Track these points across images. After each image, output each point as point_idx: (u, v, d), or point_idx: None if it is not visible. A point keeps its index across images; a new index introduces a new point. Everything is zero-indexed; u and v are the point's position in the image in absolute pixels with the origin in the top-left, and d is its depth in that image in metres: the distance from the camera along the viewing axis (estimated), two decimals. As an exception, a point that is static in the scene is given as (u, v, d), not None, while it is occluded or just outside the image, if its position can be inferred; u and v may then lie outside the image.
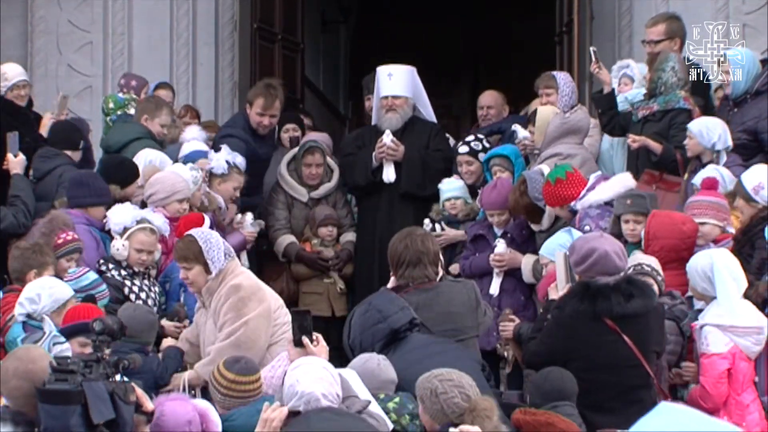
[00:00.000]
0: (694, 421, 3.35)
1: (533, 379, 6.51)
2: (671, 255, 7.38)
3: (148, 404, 4.88)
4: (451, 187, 9.54)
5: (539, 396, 6.26)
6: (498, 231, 8.97)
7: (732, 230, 7.69)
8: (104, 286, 7.75)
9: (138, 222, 8.23)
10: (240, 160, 9.49)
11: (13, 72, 9.99)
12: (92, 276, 7.75)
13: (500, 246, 8.78)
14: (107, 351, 4.79)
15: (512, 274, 8.80)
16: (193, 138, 9.71)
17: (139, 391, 4.81)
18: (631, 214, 7.86)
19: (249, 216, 9.58)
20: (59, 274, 7.64)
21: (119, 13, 12.22)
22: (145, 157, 9.18)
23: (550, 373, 6.36)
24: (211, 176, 9.32)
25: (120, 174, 8.90)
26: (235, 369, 5.98)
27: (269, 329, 7.10)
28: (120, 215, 8.32)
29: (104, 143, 9.82)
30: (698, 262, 6.92)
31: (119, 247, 8.13)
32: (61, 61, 12.20)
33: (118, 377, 4.78)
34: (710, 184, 7.88)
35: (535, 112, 9.72)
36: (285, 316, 7.06)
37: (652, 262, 7.24)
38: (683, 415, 3.37)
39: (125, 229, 8.20)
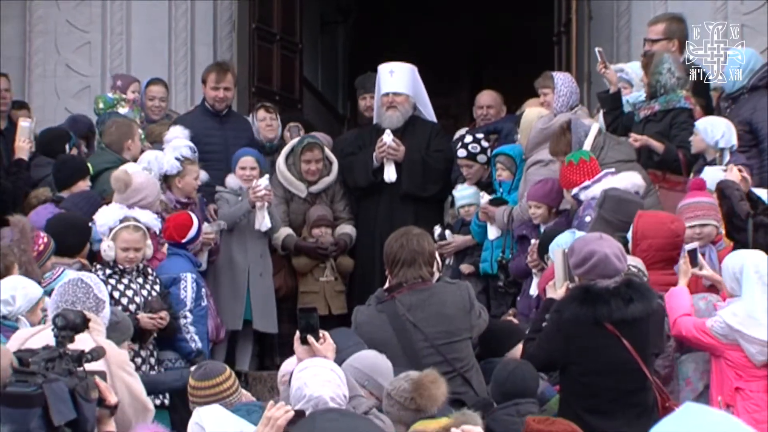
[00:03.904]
0: (720, 424, 3.28)
1: (495, 374, 6.43)
2: (659, 255, 7.30)
3: (111, 398, 4.81)
4: (465, 194, 9.56)
5: (500, 393, 6.26)
6: (542, 227, 8.78)
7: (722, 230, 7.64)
8: None
9: (122, 221, 8.28)
10: (186, 151, 9.43)
11: None
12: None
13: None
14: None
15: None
16: (176, 137, 9.61)
17: (102, 385, 4.75)
18: None
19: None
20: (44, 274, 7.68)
21: (118, 13, 12.22)
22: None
23: (514, 369, 6.34)
24: (166, 178, 9.26)
25: (62, 173, 9.02)
26: (196, 375, 6.07)
27: None
28: (104, 216, 8.37)
29: None
30: (730, 262, 6.83)
31: (105, 248, 8.17)
32: (60, 60, 12.20)
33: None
34: (699, 185, 7.82)
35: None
36: None
37: (638, 263, 7.17)
38: (709, 416, 3.29)
39: (111, 230, 8.24)
